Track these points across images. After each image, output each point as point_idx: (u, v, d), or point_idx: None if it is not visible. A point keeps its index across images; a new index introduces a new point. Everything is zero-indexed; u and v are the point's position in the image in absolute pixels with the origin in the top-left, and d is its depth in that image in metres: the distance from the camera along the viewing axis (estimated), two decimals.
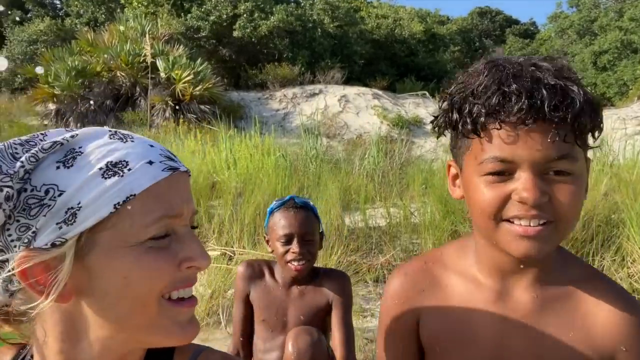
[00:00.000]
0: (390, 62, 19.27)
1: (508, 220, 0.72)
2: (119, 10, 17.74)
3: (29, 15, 23.61)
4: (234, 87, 15.12)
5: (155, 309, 0.59)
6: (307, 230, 1.58)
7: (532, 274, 0.81)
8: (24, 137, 0.59)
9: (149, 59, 9.84)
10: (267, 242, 1.69)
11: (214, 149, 6.29)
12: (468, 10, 31.52)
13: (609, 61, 19.02)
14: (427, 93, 14.91)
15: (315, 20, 16.64)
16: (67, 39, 16.53)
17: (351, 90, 14.18)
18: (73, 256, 0.55)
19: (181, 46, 13.29)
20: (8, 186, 0.53)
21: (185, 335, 0.63)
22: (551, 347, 0.79)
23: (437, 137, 0.82)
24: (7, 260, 0.55)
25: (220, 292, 3.17)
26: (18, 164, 0.54)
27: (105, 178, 0.56)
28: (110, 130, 0.63)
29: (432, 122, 0.82)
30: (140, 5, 16.25)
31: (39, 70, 11.36)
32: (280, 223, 1.58)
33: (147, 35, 11.24)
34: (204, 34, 15.61)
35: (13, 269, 0.53)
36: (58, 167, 0.56)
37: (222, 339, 2.81)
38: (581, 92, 0.68)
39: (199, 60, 12.42)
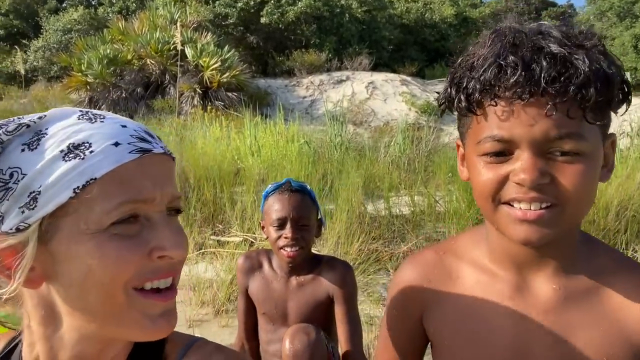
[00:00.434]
0: (419, 47, 18.89)
1: (508, 204, 0.67)
2: None
3: (63, 4, 24.20)
4: (261, 74, 15.15)
5: (123, 299, 0.56)
6: (302, 215, 1.50)
7: (552, 265, 0.73)
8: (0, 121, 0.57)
9: (178, 47, 9.93)
10: (263, 228, 1.62)
11: (239, 136, 6.32)
12: None
13: None
14: None
15: (342, 5, 16.42)
16: (100, 28, 16.90)
17: (379, 77, 13.99)
18: (36, 241, 0.53)
19: (209, 33, 13.37)
20: None
21: (155, 330, 0.58)
22: (578, 345, 0.71)
23: (440, 115, 0.76)
24: None
25: None
26: None
27: (66, 161, 0.53)
28: (80, 111, 0.59)
29: (437, 99, 0.77)
30: None
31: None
32: (274, 207, 1.51)
33: (177, 23, 11.33)
34: (231, 21, 15.66)
35: None
36: (23, 150, 0.54)
37: None
38: (587, 61, 0.59)
39: (226, 48, 12.48)
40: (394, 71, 15.20)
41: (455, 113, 0.74)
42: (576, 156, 0.63)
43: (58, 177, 0.53)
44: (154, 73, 12.65)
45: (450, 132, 11.97)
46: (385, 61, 16.44)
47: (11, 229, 0.53)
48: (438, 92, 0.79)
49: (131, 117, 11.78)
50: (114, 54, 12.58)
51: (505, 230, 0.68)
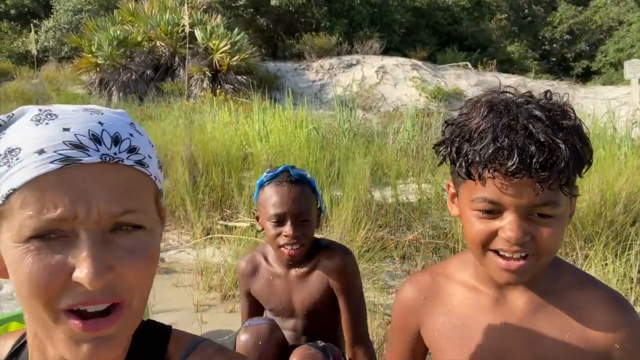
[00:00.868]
0: (431, 31, 18.60)
1: (494, 251, 0.82)
2: None
3: None
4: (271, 57, 15.05)
5: (48, 317, 0.52)
6: (303, 210, 1.39)
7: (526, 283, 0.90)
8: None
9: (187, 29, 9.89)
10: (257, 218, 1.50)
11: (248, 121, 6.33)
12: None
13: None
14: (469, 64, 14.37)
15: None
16: (110, 8, 16.81)
17: (389, 61, 13.84)
18: None
19: (219, 15, 13.28)
20: None
21: (79, 357, 0.52)
22: (549, 347, 0.86)
23: (438, 165, 0.91)
24: None
25: None
26: None
27: (3, 166, 0.52)
28: (39, 109, 0.56)
29: (434, 147, 0.91)
30: None
31: None
32: (272, 200, 1.38)
33: (185, 5, 11.26)
34: (241, 3, 15.51)
35: None
36: None
37: None
38: (568, 150, 0.74)
39: (236, 30, 12.40)
40: (404, 55, 15.02)
41: (447, 161, 0.89)
42: (550, 219, 0.79)
43: None
44: (164, 55, 12.63)
45: None
46: (396, 45, 16.23)
47: None
48: (439, 143, 0.90)
49: (141, 99, 11.81)
50: (124, 36, 12.56)
51: (491, 273, 0.85)
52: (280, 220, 1.39)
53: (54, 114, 0.55)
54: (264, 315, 1.62)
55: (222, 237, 3.82)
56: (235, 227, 3.97)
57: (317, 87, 12.99)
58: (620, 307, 0.87)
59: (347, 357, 1.55)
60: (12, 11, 22.50)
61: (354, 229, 3.57)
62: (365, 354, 1.51)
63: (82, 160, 0.52)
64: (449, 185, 0.95)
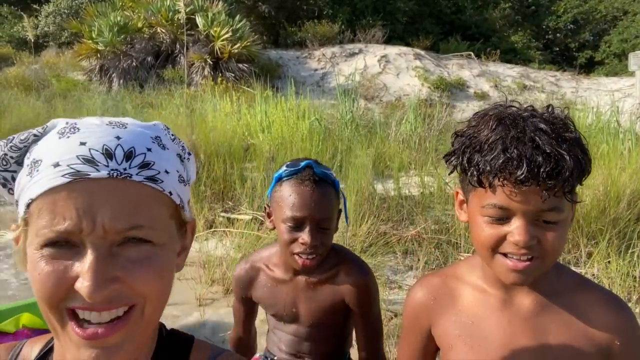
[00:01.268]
0: (435, 19, 18.44)
1: (502, 254, 0.88)
2: None
3: None
4: (273, 45, 14.94)
5: (56, 319, 0.55)
6: (325, 216, 1.22)
7: (531, 284, 0.95)
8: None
9: (183, 15, 9.77)
10: (268, 215, 1.31)
11: (249, 111, 6.29)
12: None
13: None
14: (472, 54, 14.26)
15: None
16: None
17: (392, 50, 13.73)
18: (24, 240, 0.58)
19: (220, 2, 13.14)
20: None
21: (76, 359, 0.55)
22: (554, 344, 0.93)
23: (449, 174, 0.95)
24: None
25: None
26: None
27: (26, 176, 0.56)
28: (65, 123, 0.58)
29: (444, 157, 0.95)
30: None
31: None
32: (290, 200, 1.20)
33: None
34: None
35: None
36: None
37: None
38: (571, 160, 0.80)
39: (237, 17, 12.28)
40: (407, 44, 14.89)
41: (458, 170, 0.94)
42: (555, 224, 0.85)
43: (20, 191, 0.57)
44: (165, 42, 12.54)
45: (463, 109, 11.81)
46: (399, 34, 16.10)
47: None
48: (447, 159, 0.93)
49: (141, 86, 11.73)
50: (124, 22, 12.45)
51: (499, 274, 0.90)
52: (298, 225, 1.21)
53: (77, 128, 0.57)
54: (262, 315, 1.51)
55: (224, 231, 3.82)
56: (237, 220, 3.97)
57: (319, 75, 12.91)
58: (617, 306, 0.95)
59: None
60: None
61: (356, 224, 3.57)
62: None
63: (90, 175, 0.53)
64: (457, 193, 0.99)
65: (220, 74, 11.42)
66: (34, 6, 20.87)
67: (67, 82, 12.58)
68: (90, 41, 12.29)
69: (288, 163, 1.29)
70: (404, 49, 14.03)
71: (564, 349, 0.92)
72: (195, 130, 5.70)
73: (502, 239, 0.86)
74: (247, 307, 1.48)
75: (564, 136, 0.83)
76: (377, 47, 13.98)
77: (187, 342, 0.71)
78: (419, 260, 3.30)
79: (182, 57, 12.09)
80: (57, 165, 0.53)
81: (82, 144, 0.55)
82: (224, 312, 2.83)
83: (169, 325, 0.73)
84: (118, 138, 0.56)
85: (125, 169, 0.55)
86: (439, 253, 3.38)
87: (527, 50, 18.86)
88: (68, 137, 0.56)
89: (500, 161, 0.81)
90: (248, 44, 11.79)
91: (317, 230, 1.21)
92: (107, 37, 11.98)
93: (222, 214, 4.18)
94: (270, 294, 1.39)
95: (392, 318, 2.63)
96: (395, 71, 12.91)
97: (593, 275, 2.91)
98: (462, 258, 3.24)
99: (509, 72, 13.63)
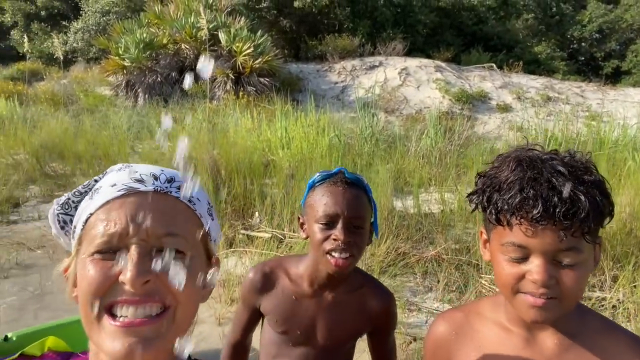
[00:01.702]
0: (456, 31, 18.36)
1: (523, 292, 0.89)
2: None
3: None
4: (294, 59, 15.09)
5: (96, 315, 0.62)
6: (357, 214, 1.20)
7: (553, 325, 0.95)
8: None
9: (205, 32, 9.96)
10: (302, 225, 1.31)
11: (270, 127, 6.36)
12: None
13: None
14: (494, 65, 14.12)
15: None
16: (137, 10, 17.13)
17: (412, 63, 13.72)
18: (75, 263, 0.68)
19: (242, 18, 13.37)
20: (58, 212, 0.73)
21: (113, 351, 0.60)
22: None
23: (472, 212, 0.97)
24: None
25: None
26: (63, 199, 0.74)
27: (87, 200, 0.69)
28: (121, 165, 0.73)
29: (468, 196, 0.98)
30: None
31: None
32: (323, 200, 1.20)
33: (201, 8, 11.33)
34: (265, 5, 15.59)
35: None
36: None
37: None
38: (587, 202, 0.81)
39: (259, 33, 12.46)
40: (428, 56, 14.86)
41: (479, 208, 0.98)
42: (574, 265, 0.85)
43: (80, 213, 0.70)
44: (188, 57, 12.79)
45: (485, 122, 11.68)
46: (419, 46, 16.08)
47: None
48: (469, 196, 0.98)
49: (165, 101, 11.99)
50: (150, 38, 12.76)
51: (520, 312, 0.91)
52: (331, 223, 1.19)
53: (130, 165, 0.72)
54: (264, 330, 1.42)
55: (244, 250, 3.85)
56: (257, 238, 4.00)
57: (339, 88, 12.97)
58: None
59: None
60: (43, 12, 23.10)
61: (375, 243, 3.56)
62: None
63: (139, 189, 0.66)
64: (481, 232, 1.02)
65: (242, 88, 11.58)
66: (63, 23, 21.61)
67: (95, 97, 12.94)
68: (116, 57, 12.63)
69: (321, 171, 1.30)
70: (425, 61, 14.00)
71: None
72: (217, 146, 5.80)
73: (522, 277, 0.88)
74: (254, 317, 1.38)
75: (582, 178, 0.85)
76: (397, 59, 13.99)
77: None
78: (439, 282, 3.26)
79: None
80: (113, 185, 0.67)
81: (135, 172, 0.69)
82: None
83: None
84: (162, 170, 0.71)
85: (167, 187, 0.68)
86: (459, 274, 3.34)
87: (551, 60, 18.58)
88: (123, 170, 0.70)
89: (517, 200, 0.84)
90: (269, 58, 11.94)
91: (350, 228, 1.19)
92: (133, 54, 12.29)
93: (242, 231, 4.22)
94: (286, 308, 1.31)
95: (410, 342, 2.60)
96: (416, 84, 12.88)
97: (618, 300, 2.84)
98: (482, 280, 3.20)
99: (533, 84, 13.44)
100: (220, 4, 13.75)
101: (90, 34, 19.14)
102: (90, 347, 0.70)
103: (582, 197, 0.82)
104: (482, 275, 3.25)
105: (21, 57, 17.63)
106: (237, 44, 11.87)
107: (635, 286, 2.89)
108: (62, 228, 0.73)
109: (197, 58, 12.69)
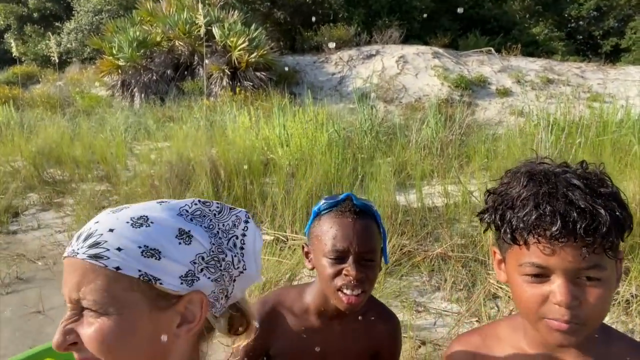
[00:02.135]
0: (452, 16, 18.12)
1: (548, 318, 0.84)
2: None
3: None
4: (290, 51, 14.94)
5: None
6: (369, 248, 1.12)
7: (577, 348, 0.90)
8: None
9: (202, 30, 9.85)
10: (306, 254, 1.23)
11: (268, 124, 6.27)
12: None
13: None
14: (492, 49, 13.96)
15: None
16: (129, 8, 16.93)
17: (410, 50, 13.56)
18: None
19: (236, 11, 13.21)
20: None
21: None
22: None
23: (484, 231, 0.96)
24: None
25: (273, 282, 3.20)
26: None
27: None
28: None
29: (478, 215, 0.93)
30: None
31: None
32: (331, 232, 1.12)
33: (199, 3, 11.20)
34: None
35: None
36: None
37: None
38: (608, 215, 0.77)
39: (253, 26, 12.31)
40: (425, 43, 14.69)
41: (492, 227, 0.92)
42: (598, 281, 0.81)
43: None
44: (183, 54, 12.67)
45: (486, 107, 11.56)
46: (416, 32, 15.89)
47: None
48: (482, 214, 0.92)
49: (162, 99, 11.89)
50: (143, 37, 12.63)
51: (544, 335, 0.86)
52: (341, 258, 1.12)
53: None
54: None
55: None
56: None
57: (336, 79, 12.84)
58: None
59: None
60: (35, 14, 22.89)
61: None
62: None
63: (65, 254, 0.72)
64: (495, 252, 0.97)
65: (238, 84, 11.48)
66: (56, 24, 21.41)
67: (91, 98, 12.84)
68: (111, 57, 12.51)
69: (326, 197, 1.21)
70: (422, 48, 13.84)
71: None
72: (215, 145, 5.72)
73: (544, 299, 0.84)
74: None
75: (599, 191, 0.81)
76: (394, 47, 13.83)
77: None
78: (445, 280, 3.20)
79: (200, 69, 12.20)
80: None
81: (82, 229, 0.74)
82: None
83: None
84: (91, 227, 0.72)
85: (78, 249, 0.69)
86: (466, 272, 3.28)
87: (549, 41, 18.37)
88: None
89: (534, 217, 0.80)
90: (265, 52, 11.81)
91: (361, 262, 1.12)
92: (127, 53, 12.17)
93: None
94: (297, 346, 1.22)
95: (419, 347, 2.55)
96: (414, 71, 12.74)
97: (631, 294, 2.77)
98: (489, 279, 3.14)
99: (532, 66, 13.29)
100: None
101: (83, 33, 18.97)
102: None
103: (602, 211, 0.77)
104: (490, 272, 3.18)
105: (16, 61, 17.48)
106: (231, 39, 11.74)
107: None
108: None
109: (191, 54, 12.58)
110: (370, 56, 13.52)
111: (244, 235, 0.81)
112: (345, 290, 1.11)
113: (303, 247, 1.25)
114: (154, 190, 4.84)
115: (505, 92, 11.86)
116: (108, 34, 13.46)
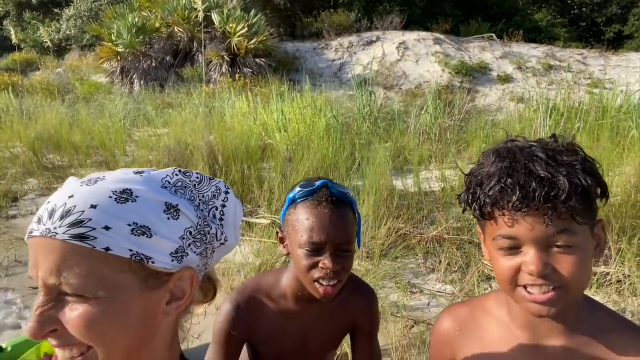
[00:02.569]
0: (454, 1, 17.96)
1: (523, 287, 0.86)
2: None
3: None
4: (290, 37, 14.84)
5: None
6: (345, 239, 1.12)
7: (561, 324, 0.92)
8: None
9: (200, 15, 9.78)
10: (281, 240, 1.21)
11: (266, 110, 6.26)
12: None
13: None
14: (494, 35, 13.85)
15: None
16: None
17: (410, 36, 13.47)
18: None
19: None
20: None
21: None
22: None
23: (463, 212, 0.94)
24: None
25: (269, 264, 3.23)
26: None
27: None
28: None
29: (458, 197, 0.97)
30: None
31: None
32: (307, 224, 1.10)
33: None
34: None
35: None
36: None
37: None
38: (567, 181, 0.79)
39: (253, 12, 12.22)
40: (426, 29, 14.57)
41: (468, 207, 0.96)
42: (569, 248, 0.82)
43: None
44: (183, 41, 12.61)
45: (486, 94, 11.50)
46: (417, 19, 15.75)
47: None
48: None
49: (162, 86, 11.85)
50: (142, 23, 12.56)
51: (522, 307, 0.88)
52: (317, 250, 1.10)
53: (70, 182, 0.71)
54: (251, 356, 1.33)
55: (243, 235, 3.82)
56: (256, 224, 3.96)
57: (337, 66, 12.77)
58: None
59: None
60: (34, 1, 22.74)
61: (375, 226, 3.51)
62: None
63: (33, 233, 0.64)
64: (480, 233, 1.00)
65: (238, 70, 11.43)
66: (55, 10, 21.30)
67: (90, 85, 12.82)
68: (110, 44, 12.46)
69: (302, 183, 1.17)
70: (423, 34, 13.74)
71: None
72: (214, 131, 5.72)
73: (518, 269, 0.85)
74: (235, 350, 1.22)
75: (561, 160, 0.83)
76: (395, 34, 13.73)
77: None
78: (440, 262, 3.22)
79: (200, 56, 12.14)
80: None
81: (46, 204, 0.67)
82: None
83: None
84: (65, 202, 0.64)
85: (55, 228, 0.63)
86: (461, 254, 3.30)
87: (552, 28, 18.20)
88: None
89: (497, 190, 0.84)
90: (264, 38, 11.74)
91: (337, 254, 1.11)
92: (126, 39, 12.11)
93: (242, 218, 4.18)
94: (278, 332, 1.23)
95: (412, 326, 2.57)
96: (415, 58, 12.67)
97: (624, 275, 2.79)
98: (483, 260, 3.16)
99: (534, 53, 13.19)
100: None
101: (82, 20, 18.88)
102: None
103: (562, 178, 0.80)
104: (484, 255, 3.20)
105: (15, 48, 17.42)
106: (231, 25, 11.66)
107: None
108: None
109: (191, 41, 12.51)
110: (370, 43, 13.44)
111: (223, 206, 0.78)
112: (322, 282, 1.11)
113: (277, 233, 1.23)
114: None
115: (506, 79, 11.79)
116: (107, 21, 13.38)
